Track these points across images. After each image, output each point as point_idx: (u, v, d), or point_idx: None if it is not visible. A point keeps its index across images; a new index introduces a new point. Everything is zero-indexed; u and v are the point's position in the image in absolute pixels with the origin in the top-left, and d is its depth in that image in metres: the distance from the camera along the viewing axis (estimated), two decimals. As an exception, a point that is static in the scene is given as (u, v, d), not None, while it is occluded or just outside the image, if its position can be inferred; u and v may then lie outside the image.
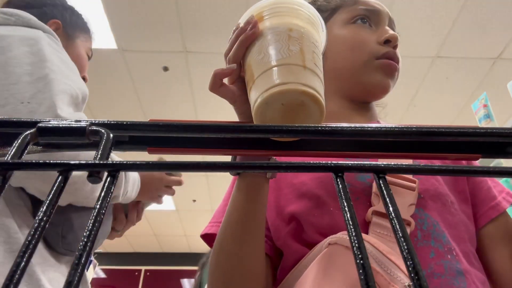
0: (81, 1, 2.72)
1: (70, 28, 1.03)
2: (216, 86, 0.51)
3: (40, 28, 0.85)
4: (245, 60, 0.48)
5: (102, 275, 6.34)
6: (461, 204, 0.66)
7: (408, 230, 0.56)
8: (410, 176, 0.60)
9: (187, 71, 3.23)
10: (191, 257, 6.34)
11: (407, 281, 0.47)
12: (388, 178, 0.51)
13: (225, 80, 0.52)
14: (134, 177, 0.90)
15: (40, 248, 0.75)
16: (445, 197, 0.63)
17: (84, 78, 1.06)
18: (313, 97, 0.39)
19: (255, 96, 0.42)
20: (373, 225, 0.57)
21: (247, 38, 0.46)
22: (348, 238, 0.51)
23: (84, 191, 0.75)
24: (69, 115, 0.73)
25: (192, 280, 6.18)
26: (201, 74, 3.24)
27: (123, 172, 0.72)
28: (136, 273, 6.38)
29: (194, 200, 5.19)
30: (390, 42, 0.71)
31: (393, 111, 3.53)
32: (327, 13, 0.77)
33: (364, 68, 0.71)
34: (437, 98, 3.43)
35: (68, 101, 0.76)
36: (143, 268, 6.43)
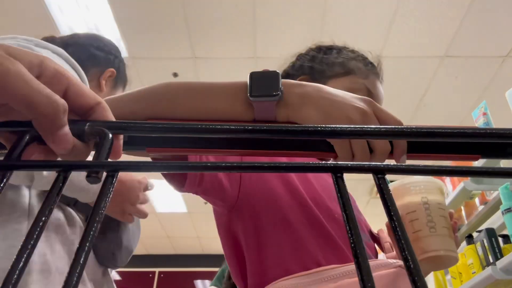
0: (92, 11, 2.76)
1: (119, 79, 1.14)
2: None
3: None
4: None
5: (117, 277, 6.39)
6: None
7: None
8: None
9: (196, 76, 3.25)
10: (204, 259, 6.36)
11: None
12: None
13: None
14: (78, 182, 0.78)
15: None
16: None
17: None
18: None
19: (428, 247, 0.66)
20: None
21: None
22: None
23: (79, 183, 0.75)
24: None
25: (206, 281, 6.19)
26: (210, 79, 3.23)
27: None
28: (150, 275, 6.42)
29: (206, 202, 5.19)
30: None
31: (403, 111, 3.49)
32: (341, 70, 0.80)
33: None
34: (447, 97, 3.39)
35: None
36: (157, 270, 6.47)
